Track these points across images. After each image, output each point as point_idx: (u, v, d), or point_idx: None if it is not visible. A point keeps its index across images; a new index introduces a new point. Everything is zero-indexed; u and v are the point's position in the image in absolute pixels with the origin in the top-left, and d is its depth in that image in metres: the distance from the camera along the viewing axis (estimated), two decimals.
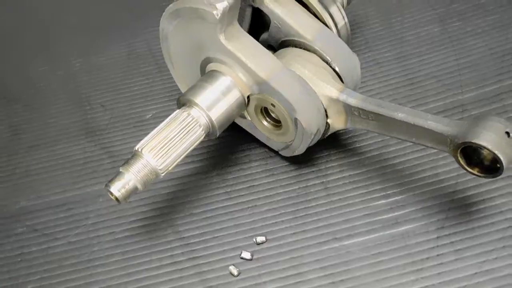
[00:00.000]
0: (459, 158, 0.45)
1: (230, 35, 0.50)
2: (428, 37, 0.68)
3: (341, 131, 0.59)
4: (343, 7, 0.63)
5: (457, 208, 0.51)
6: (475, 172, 0.45)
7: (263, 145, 0.59)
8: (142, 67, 0.72)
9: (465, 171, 0.45)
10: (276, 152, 0.58)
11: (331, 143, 0.58)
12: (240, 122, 0.59)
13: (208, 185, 0.57)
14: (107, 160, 0.61)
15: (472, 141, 0.42)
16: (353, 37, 0.70)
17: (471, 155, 0.45)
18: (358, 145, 0.58)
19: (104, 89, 0.70)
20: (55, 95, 0.70)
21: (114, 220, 0.55)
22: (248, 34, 0.52)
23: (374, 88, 0.64)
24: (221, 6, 0.48)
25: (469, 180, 0.52)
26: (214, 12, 0.47)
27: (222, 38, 0.50)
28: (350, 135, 0.59)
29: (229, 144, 0.61)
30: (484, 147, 0.42)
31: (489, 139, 0.42)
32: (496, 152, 0.41)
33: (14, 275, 0.52)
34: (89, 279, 0.51)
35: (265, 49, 0.52)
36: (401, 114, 0.48)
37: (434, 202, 0.52)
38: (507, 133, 0.43)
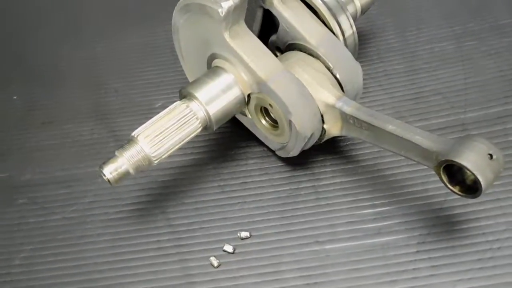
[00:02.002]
0: (442, 175, 0.45)
1: (235, 33, 0.52)
2: (441, 54, 0.68)
3: (339, 138, 0.60)
4: (356, 16, 0.64)
5: (441, 225, 0.51)
6: (456, 190, 0.45)
7: (262, 144, 0.60)
8: (158, 57, 0.75)
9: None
10: (273, 152, 0.59)
11: (328, 149, 0.59)
12: (241, 119, 0.61)
13: (203, 177, 0.59)
14: (112, 144, 0.64)
15: (454, 159, 0.43)
16: (366, 46, 0.71)
17: (455, 173, 0.45)
18: (354, 153, 0.59)
19: (120, 75, 0.73)
20: (73, 76, 0.74)
21: (109, 201, 0.58)
22: (253, 34, 0.53)
23: (379, 99, 0.64)
24: (226, 4, 0.49)
25: (457, 199, 0.52)
26: (219, 10, 0.49)
27: (226, 35, 0.51)
28: (347, 143, 0.60)
29: (229, 139, 0.62)
30: (464, 167, 0.42)
31: (470, 159, 0.42)
32: (475, 172, 0.42)
33: (10, 243, 0.55)
34: (78, 254, 0.54)
35: (267, 50, 0.53)
36: (391, 126, 0.48)
37: (419, 217, 0.52)
38: (490, 155, 0.43)
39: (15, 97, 0.72)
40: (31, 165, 0.63)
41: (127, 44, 0.78)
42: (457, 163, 0.42)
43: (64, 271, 0.53)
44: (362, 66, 0.67)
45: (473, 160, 0.42)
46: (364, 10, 0.64)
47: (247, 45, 0.52)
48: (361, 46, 0.70)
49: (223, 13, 0.49)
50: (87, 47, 0.78)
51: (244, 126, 0.61)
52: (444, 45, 0.68)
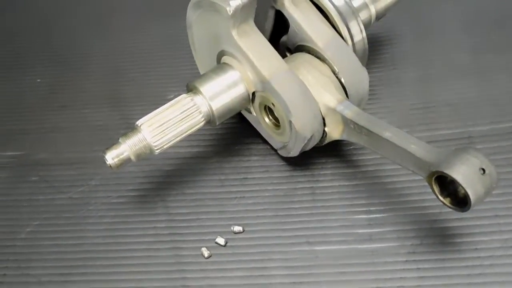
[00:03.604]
0: (433, 186, 0.45)
1: (242, 31, 0.53)
2: (457, 64, 0.67)
3: (342, 142, 0.60)
4: (370, 22, 0.63)
5: (433, 237, 0.51)
6: (446, 202, 0.45)
7: (266, 142, 0.61)
8: (178, 50, 0.76)
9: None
10: (276, 151, 0.60)
11: (330, 152, 0.59)
12: (247, 116, 0.62)
13: (205, 170, 0.60)
14: (123, 130, 0.65)
15: (445, 171, 0.42)
16: (381, 52, 0.70)
17: (448, 185, 0.45)
18: (355, 158, 0.59)
19: (139, 65, 0.75)
20: (95, 64, 0.76)
21: (114, 186, 0.60)
22: (261, 34, 0.54)
23: (388, 105, 0.64)
24: (234, 3, 0.50)
25: (453, 212, 0.50)
26: (227, 8, 0.50)
27: (234, 33, 0.52)
28: (350, 147, 0.60)
29: (235, 135, 0.64)
30: (454, 179, 0.42)
31: (461, 172, 0.42)
32: (464, 186, 0.41)
33: (18, 216, 0.58)
34: (80, 233, 0.56)
35: (273, 50, 0.54)
36: (388, 134, 0.48)
37: (413, 226, 0.52)
38: (483, 169, 0.42)
39: (39, 80, 0.75)
40: (46, 145, 0.66)
41: (149, 36, 0.80)
42: (448, 175, 0.42)
43: (65, 248, 0.55)
44: (375, 72, 0.67)
45: (464, 173, 0.42)
46: (380, 16, 0.64)
47: (254, 43, 0.53)
48: (376, 51, 0.70)
49: (231, 11, 0.50)
50: (111, 37, 0.80)
51: (251, 123, 0.62)
52: (461, 56, 0.68)
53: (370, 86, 0.63)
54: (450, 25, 0.72)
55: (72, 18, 0.86)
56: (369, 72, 0.66)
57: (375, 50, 0.70)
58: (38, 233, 0.57)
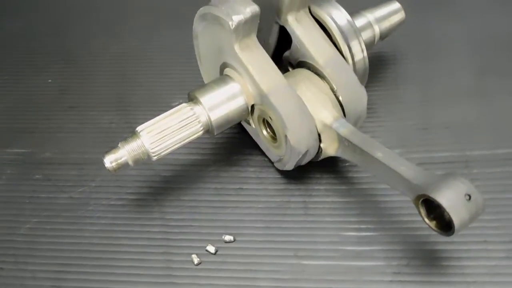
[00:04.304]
0: (420, 208, 0.45)
1: (245, 45, 0.54)
2: (460, 86, 0.67)
3: (339, 158, 0.61)
4: (374, 41, 0.64)
5: (420, 259, 0.51)
6: (432, 225, 0.45)
7: (263, 154, 0.62)
8: (186, 58, 0.77)
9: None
10: (272, 163, 0.61)
11: (326, 167, 0.60)
12: (247, 127, 0.63)
13: (203, 178, 0.61)
14: (127, 134, 0.67)
15: (430, 195, 0.43)
16: (384, 71, 0.71)
17: (435, 209, 0.45)
18: (350, 175, 0.59)
19: (147, 70, 0.77)
20: (104, 67, 0.78)
21: (114, 188, 0.61)
22: (262, 49, 0.55)
23: (387, 125, 0.64)
24: (237, 18, 0.51)
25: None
26: (230, 22, 0.51)
27: (236, 47, 0.54)
28: (346, 164, 0.60)
29: (235, 145, 0.65)
30: (439, 204, 0.42)
31: (447, 197, 0.42)
32: (449, 211, 0.42)
33: (19, 213, 0.60)
34: (77, 232, 0.58)
35: (274, 65, 0.55)
36: (379, 154, 0.49)
37: (401, 247, 0.52)
38: (468, 196, 0.43)
39: (49, 80, 0.77)
40: (51, 144, 0.67)
41: (160, 42, 0.82)
42: (433, 199, 0.43)
43: (61, 246, 0.56)
44: (377, 90, 0.68)
45: (449, 198, 0.42)
46: (384, 36, 0.65)
47: (255, 58, 0.54)
48: (380, 70, 0.71)
49: (233, 26, 0.51)
50: (123, 42, 0.83)
51: (250, 135, 0.63)
52: (465, 78, 0.68)
53: (370, 104, 0.64)
54: (456, 46, 0.72)
55: (86, 21, 0.88)
56: (371, 90, 0.67)
57: (378, 68, 0.71)
58: (37, 230, 0.58)
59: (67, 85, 0.76)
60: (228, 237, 0.55)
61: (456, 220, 0.42)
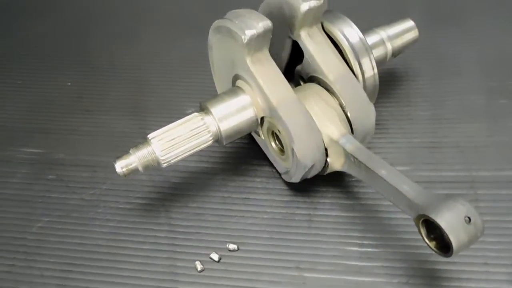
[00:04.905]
0: (420, 227, 0.46)
1: (256, 59, 0.55)
2: (470, 107, 0.67)
3: (346, 173, 0.61)
4: (386, 58, 0.65)
5: (420, 277, 0.51)
6: (431, 245, 0.45)
7: (271, 165, 0.63)
8: (204, 67, 0.79)
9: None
10: (280, 175, 0.62)
11: (332, 181, 0.61)
12: (257, 138, 0.64)
13: (210, 186, 0.63)
14: (139, 140, 0.69)
15: (430, 215, 0.43)
16: (396, 88, 0.71)
17: (434, 229, 0.45)
18: (356, 190, 0.60)
19: (164, 77, 0.79)
20: (122, 73, 0.80)
21: (123, 192, 0.63)
22: (274, 63, 0.56)
23: (396, 141, 0.65)
24: (249, 33, 0.53)
25: None
26: (243, 36, 0.53)
27: (248, 60, 0.55)
28: (353, 179, 0.61)
29: (243, 155, 0.66)
30: (438, 225, 0.43)
31: (446, 218, 0.43)
32: (447, 232, 0.42)
33: (32, 211, 0.62)
34: (85, 234, 0.59)
35: (284, 79, 0.56)
36: (383, 172, 0.50)
37: (402, 264, 0.53)
38: (468, 218, 0.43)
39: (69, 83, 0.79)
40: (66, 146, 0.69)
41: (178, 50, 0.84)
42: (432, 219, 0.43)
43: (69, 246, 0.58)
44: (388, 106, 0.68)
45: (448, 219, 0.43)
46: (396, 53, 0.65)
47: (265, 71, 0.55)
48: (392, 87, 0.71)
49: (246, 40, 0.53)
50: (141, 49, 0.85)
51: (260, 146, 0.64)
52: (475, 99, 0.68)
53: (381, 120, 0.65)
54: (469, 67, 0.73)
55: (107, 26, 0.90)
56: (382, 106, 0.67)
57: (391, 84, 0.72)
58: (48, 229, 0.60)
59: (84, 88, 0.78)
60: (232, 246, 0.56)
61: (454, 242, 0.42)
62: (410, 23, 0.67)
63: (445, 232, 0.42)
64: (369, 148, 0.62)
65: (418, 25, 0.67)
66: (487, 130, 0.64)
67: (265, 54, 0.56)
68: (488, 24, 0.80)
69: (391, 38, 0.65)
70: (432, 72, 0.73)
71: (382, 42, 0.64)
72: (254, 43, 0.54)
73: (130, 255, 0.57)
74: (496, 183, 0.58)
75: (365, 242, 0.55)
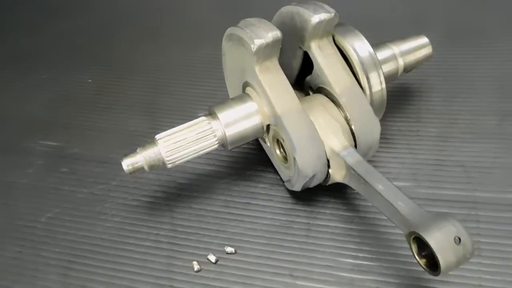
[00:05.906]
0: (411, 244, 0.46)
1: (265, 68, 0.56)
2: (480, 127, 0.67)
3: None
4: (397, 73, 0.65)
5: None
6: (421, 262, 0.45)
7: (276, 172, 0.64)
8: (221, 72, 0.81)
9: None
10: (283, 182, 0.63)
11: (334, 192, 0.61)
12: (263, 145, 0.65)
13: (214, 189, 0.64)
14: (150, 139, 0.71)
15: (420, 233, 0.44)
16: (408, 103, 0.72)
17: (425, 247, 0.46)
18: (356, 203, 0.61)
19: (180, 80, 0.81)
20: (141, 74, 0.83)
21: (131, 189, 0.65)
22: (282, 72, 0.57)
23: (401, 157, 0.65)
24: (259, 42, 0.54)
25: None
26: (252, 45, 0.54)
27: (257, 68, 0.56)
28: (354, 191, 0.61)
29: (249, 161, 0.67)
30: (428, 243, 0.43)
31: (436, 237, 0.43)
32: (435, 251, 0.42)
33: (43, 202, 0.65)
34: (91, 227, 0.62)
35: (291, 89, 0.57)
36: (380, 187, 0.50)
37: (394, 280, 0.53)
38: (458, 238, 0.43)
39: (90, 80, 0.82)
40: (81, 141, 0.72)
41: (197, 55, 0.86)
42: (422, 237, 0.43)
43: (75, 238, 0.61)
44: (397, 121, 0.69)
45: (437, 239, 0.43)
46: (408, 69, 0.66)
47: (273, 80, 0.56)
48: (403, 102, 0.72)
49: (255, 49, 0.54)
50: (162, 52, 0.87)
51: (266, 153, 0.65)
52: (486, 120, 0.67)
53: (388, 134, 0.65)
54: (481, 86, 0.72)
55: (131, 28, 0.94)
56: (391, 121, 0.68)
57: (402, 100, 0.72)
58: (56, 220, 0.63)
59: (104, 86, 0.81)
60: (229, 249, 0.57)
61: (442, 262, 0.42)
62: (424, 39, 0.67)
63: (433, 251, 0.43)
64: (373, 161, 0.63)
65: (436, 42, 0.67)
66: (494, 151, 0.63)
67: (274, 63, 0.57)
68: (506, 44, 0.79)
69: (404, 53, 0.65)
70: (446, 89, 0.73)
71: (393, 57, 0.64)
72: (263, 52, 0.55)
73: (131, 250, 0.59)
74: (498, 205, 0.58)
75: (360, 254, 0.56)
